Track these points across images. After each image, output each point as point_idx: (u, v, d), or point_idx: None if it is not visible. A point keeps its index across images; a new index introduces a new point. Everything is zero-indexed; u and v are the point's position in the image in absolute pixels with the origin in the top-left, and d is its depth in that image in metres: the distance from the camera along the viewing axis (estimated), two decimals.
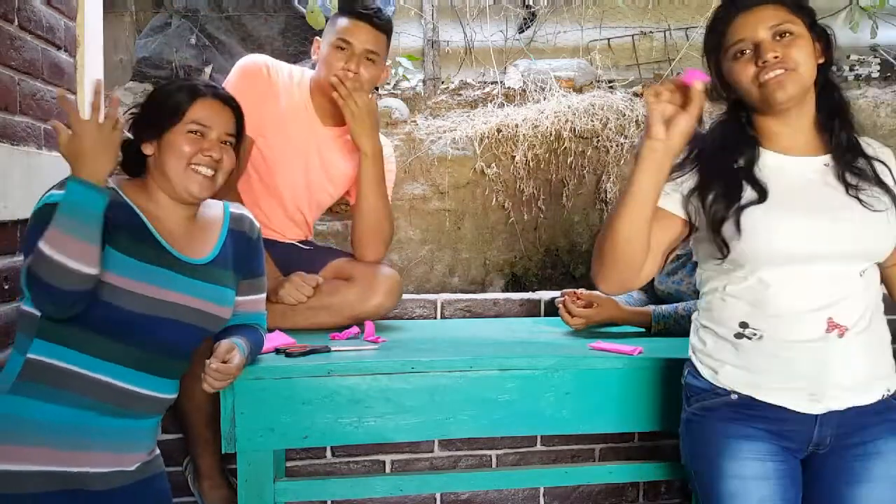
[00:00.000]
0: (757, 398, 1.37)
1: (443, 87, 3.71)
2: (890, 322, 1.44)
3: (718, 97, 1.44)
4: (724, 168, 1.38)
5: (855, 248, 1.33)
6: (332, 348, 1.71)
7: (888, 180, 1.37)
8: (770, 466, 1.37)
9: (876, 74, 3.77)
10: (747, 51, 1.34)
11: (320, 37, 2.12)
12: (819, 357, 1.33)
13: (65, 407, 1.33)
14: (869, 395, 1.37)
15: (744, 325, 1.37)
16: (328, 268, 2.11)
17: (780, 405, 1.36)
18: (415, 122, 3.40)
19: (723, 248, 1.35)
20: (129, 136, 1.46)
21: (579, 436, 2.33)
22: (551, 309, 2.25)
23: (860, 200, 1.34)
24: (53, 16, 1.89)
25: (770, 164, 1.38)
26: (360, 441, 1.65)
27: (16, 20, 1.69)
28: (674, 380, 1.70)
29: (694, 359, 1.47)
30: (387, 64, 2.16)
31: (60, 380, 1.33)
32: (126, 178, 1.49)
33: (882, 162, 1.39)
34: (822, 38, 1.38)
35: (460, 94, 3.63)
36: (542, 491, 2.36)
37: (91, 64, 2.11)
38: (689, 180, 1.40)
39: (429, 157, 3.27)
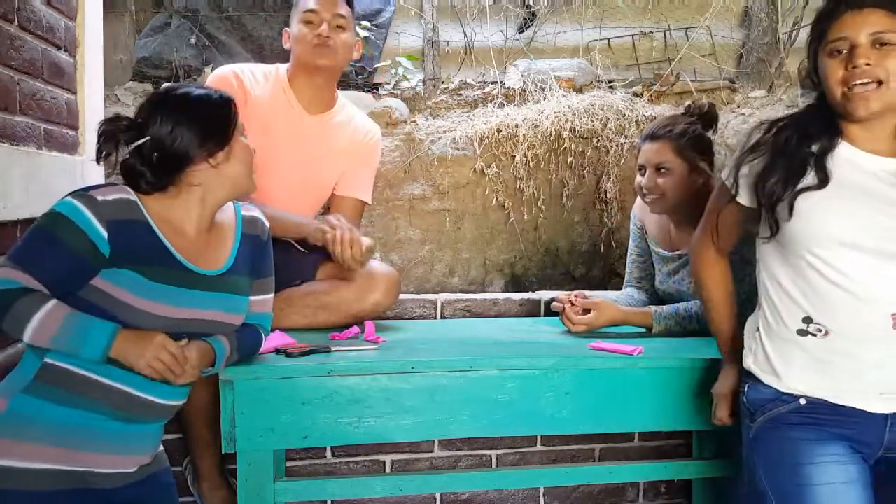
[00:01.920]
0: (829, 401, 1.35)
1: (443, 87, 3.71)
2: None
3: (811, 85, 1.43)
4: (795, 151, 1.37)
5: None
6: (332, 348, 1.71)
7: None
8: (853, 469, 1.34)
9: None
10: (843, 50, 1.32)
11: (288, 27, 2.16)
12: (888, 353, 1.32)
13: (77, 410, 1.34)
14: None
15: (807, 320, 1.36)
16: (325, 267, 2.11)
17: (853, 406, 1.34)
18: (415, 122, 3.40)
19: (773, 227, 1.36)
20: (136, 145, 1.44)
21: (579, 436, 2.33)
22: (551, 309, 2.26)
23: None
24: (53, 16, 1.89)
25: (843, 155, 1.37)
26: (360, 441, 1.64)
27: (16, 20, 1.69)
28: (673, 380, 1.70)
29: (755, 369, 1.45)
30: (357, 39, 2.21)
31: (76, 385, 1.34)
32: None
33: None
34: None
35: (460, 94, 3.63)
36: (542, 491, 2.36)
37: (91, 64, 2.11)
38: (761, 163, 1.40)
39: (429, 157, 3.27)
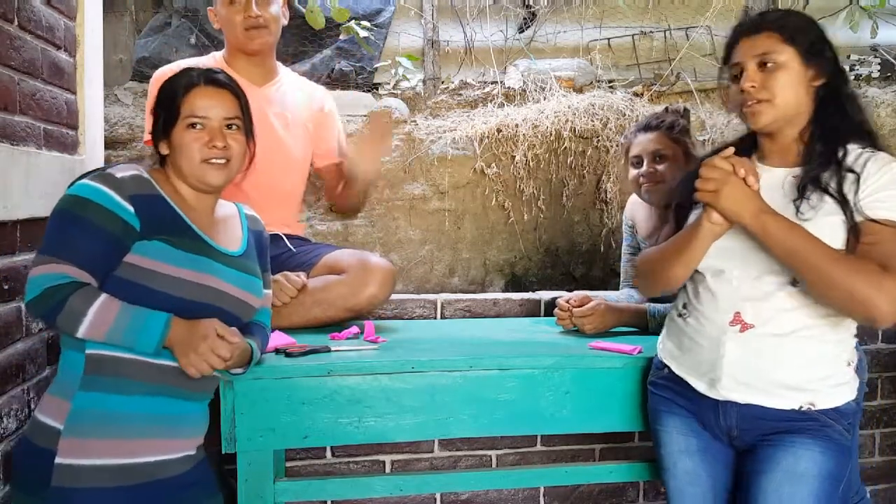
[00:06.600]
0: (675, 372, 1.51)
1: (443, 87, 3.71)
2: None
3: (732, 109, 1.52)
4: None
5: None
6: (332, 348, 1.71)
7: (849, 192, 1.33)
8: (693, 442, 1.52)
9: (876, 74, 3.76)
10: (740, 75, 1.42)
11: (212, 6, 2.22)
12: (717, 345, 1.42)
13: (134, 396, 1.34)
14: (776, 400, 1.39)
15: (684, 306, 1.53)
16: (320, 264, 2.10)
17: (689, 382, 1.48)
18: (415, 121, 3.39)
19: None
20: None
21: (579, 436, 2.33)
22: (551, 309, 2.25)
23: (797, 209, 1.35)
24: (53, 16, 1.89)
25: None
26: (360, 441, 1.65)
27: (16, 20, 1.69)
28: None
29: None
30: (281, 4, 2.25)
31: (123, 368, 1.34)
32: (153, 167, 1.49)
33: (854, 171, 1.34)
34: (820, 61, 1.40)
35: (460, 94, 3.62)
36: (542, 491, 2.36)
37: (91, 64, 2.11)
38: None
39: (429, 157, 3.27)
